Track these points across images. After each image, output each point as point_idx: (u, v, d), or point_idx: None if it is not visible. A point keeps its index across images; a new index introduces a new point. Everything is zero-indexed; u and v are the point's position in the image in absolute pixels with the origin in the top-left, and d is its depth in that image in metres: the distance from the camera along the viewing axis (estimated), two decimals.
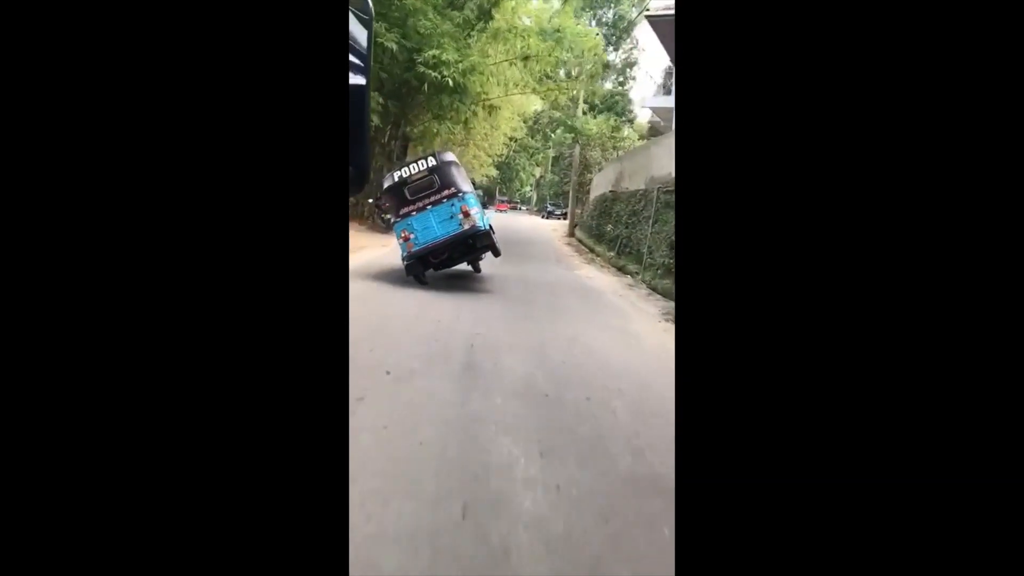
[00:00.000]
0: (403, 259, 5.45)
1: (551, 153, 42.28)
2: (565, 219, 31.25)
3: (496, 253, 5.95)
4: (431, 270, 5.60)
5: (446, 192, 5.33)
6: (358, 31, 0.62)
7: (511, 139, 28.73)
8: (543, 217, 32.13)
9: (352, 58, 0.60)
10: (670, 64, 19.08)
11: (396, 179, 5.43)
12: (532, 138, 49.10)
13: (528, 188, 69.66)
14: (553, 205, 32.27)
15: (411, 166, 5.48)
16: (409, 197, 5.34)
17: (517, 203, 57.67)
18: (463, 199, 5.35)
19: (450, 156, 5.75)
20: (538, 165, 59.86)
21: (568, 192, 37.01)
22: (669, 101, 15.91)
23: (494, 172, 27.15)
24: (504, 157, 34.94)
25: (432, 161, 5.44)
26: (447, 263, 5.72)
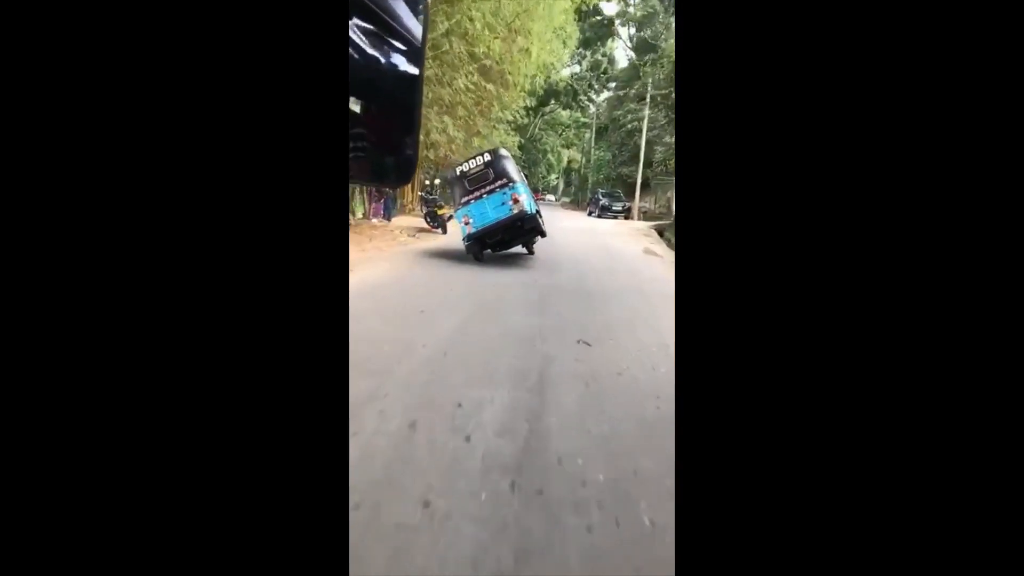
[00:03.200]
0: (463, 240, 6.36)
1: (592, 119, 31.27)
2: (628, 218, 20.31)
3: (543, 234, 6.90)
4: (488, 251, 6.52)
5: (499, 182, 6.12)
6: (411, 22, 0.61)
7: (542, 86, 18.17)
8: (590, 214, 20.94)
9: (405, 48, 0.60)
10: None
11: (458, 173, 6.30)
12: (565, 107, 38.42)
13: (555, 176, 58.83)
14: (608, 196, 20.72)
15: (470, 161, 6.31)
16: (468, 188, 6.17)
17: (542, 193, 46.95)
18: (513, 188, 6.09)
19: (503, 152, 6.62)
20: (568, 146, 49.01)
21: (627, 177, 23.93)
22: None
23: (512, 140, 16.26)
24: (525, 123, 24.22)
25: (488, 156, 6.31)
26: (502, 245, 6.61)
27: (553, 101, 36.24)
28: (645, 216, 18.58)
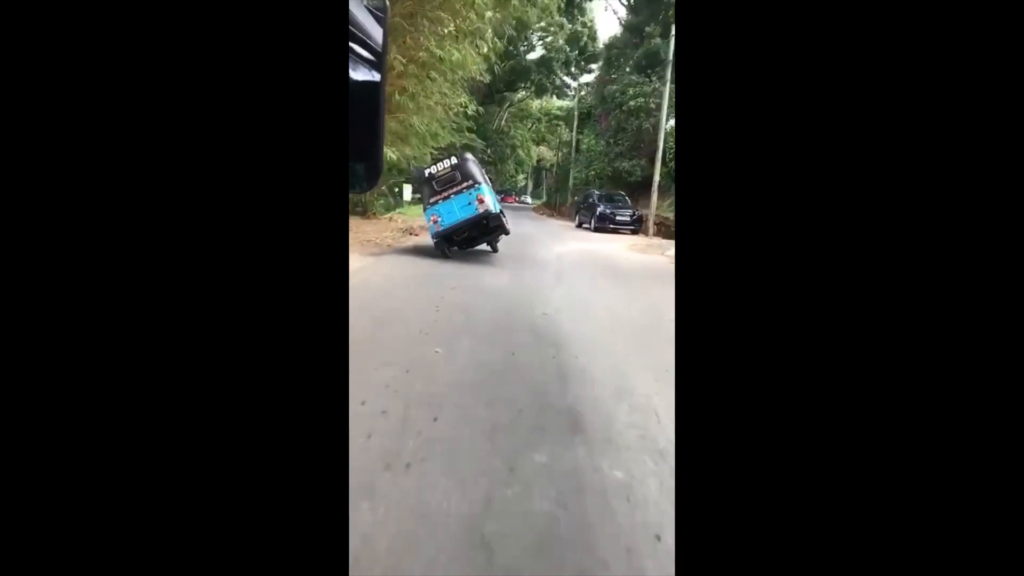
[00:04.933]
0: (432, 236, 6.60)
1: (575, 99, 25.26)
2: (639, 232, 12.33)
3: (506, 232, 7.07)
4: (455, 248, 6.76)
5: (465, 184, 6.42)
6: (373, 28, 0.62)
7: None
8: (580, 225, 14.98)
9: (367, 54, 0.61)
10: None
11: (427, 174, 6.54)
12: (538, 89, 32.39)
13: (523, 175, 52.96)
14: (608, 200, 14.24)
15: (438, 164, 6.60)
16: (437, 188, 6.46)
17: (515, 195, 40.96)
18: (479, 189, 6.41)
19: (469, 156, 6.83)
20: (539, 141, 43.30)
21: (628, 174, 15.97)
22: None
23: (462, 102, 10.16)
24: (489, 84, 18.28)
25: (454, 160, 6.58)
26: (468, 242, 6.88)
27: (522, 86, 30.44)
28: (663, 230, 12.79)
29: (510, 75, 26.66)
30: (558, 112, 37.32)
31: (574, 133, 23.12)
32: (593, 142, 19.20)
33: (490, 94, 30.99)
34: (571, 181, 22.23)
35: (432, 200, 6.45)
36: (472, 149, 23.39)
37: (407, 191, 17.35)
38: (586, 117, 23.18)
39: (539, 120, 40.22)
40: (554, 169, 32.28)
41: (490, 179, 9.13)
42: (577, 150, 22.42)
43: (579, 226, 14.87)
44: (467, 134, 20.34)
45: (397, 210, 14.16)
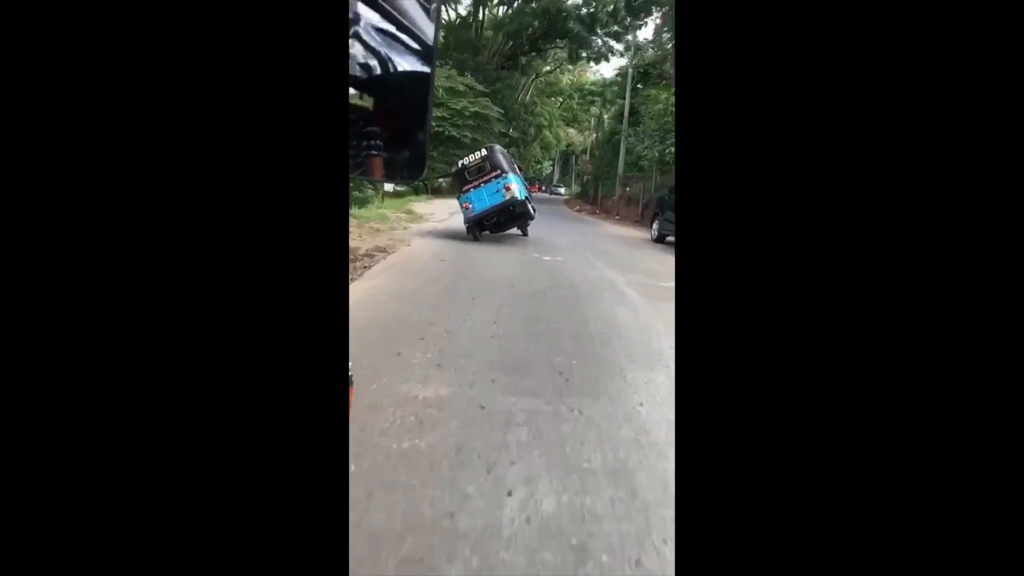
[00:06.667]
0: (464, 222, 7.52)
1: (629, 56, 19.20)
2: None
3: (531, 217, 7.92)
4: (486, 232, 7.62)
5: (493, 173, 7.29)
6: (423, 21, 0.65)
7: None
8: (659, 237, 9.41)
9: (416, 46, 0.64)
10: None
11: (460, 166, 7.52)
12: (575, 51, 26.40)
13: (549, 161, 47.11)
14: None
15: (470, 156, 7.57)
16: (468, 178, 7.36)
17: (540, 184, 35.35)
18: (506, 178, 7.25)
19: (499, 147, 7.87)
20: (570, 122, 37.31)
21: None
22: None
23: None
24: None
25: (484, 151, 7.54)
26: (498, 227, 7.74)
27: (555, 45, 24.54)
28: None
29: (542, 23, 20.82)
30: (592, 87, 31.27)
31: (627, 99, 17.02)
32: (664, 112, 12.99)
33: (513, 57, 25.37)
34: (621, 166, 16.32)
35: (464, 189, 7.38)
36: (488, 121, 17.93)
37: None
38: (641, 79, 17.20)
39: (570, 96, 34.32)
40: (590, 152, 26.38)
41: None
42: (632, 123, 16.41)
43: (659, 239, 9.12)
44: (479, 100, 14.62)
45: (355, 207, 8.71)
